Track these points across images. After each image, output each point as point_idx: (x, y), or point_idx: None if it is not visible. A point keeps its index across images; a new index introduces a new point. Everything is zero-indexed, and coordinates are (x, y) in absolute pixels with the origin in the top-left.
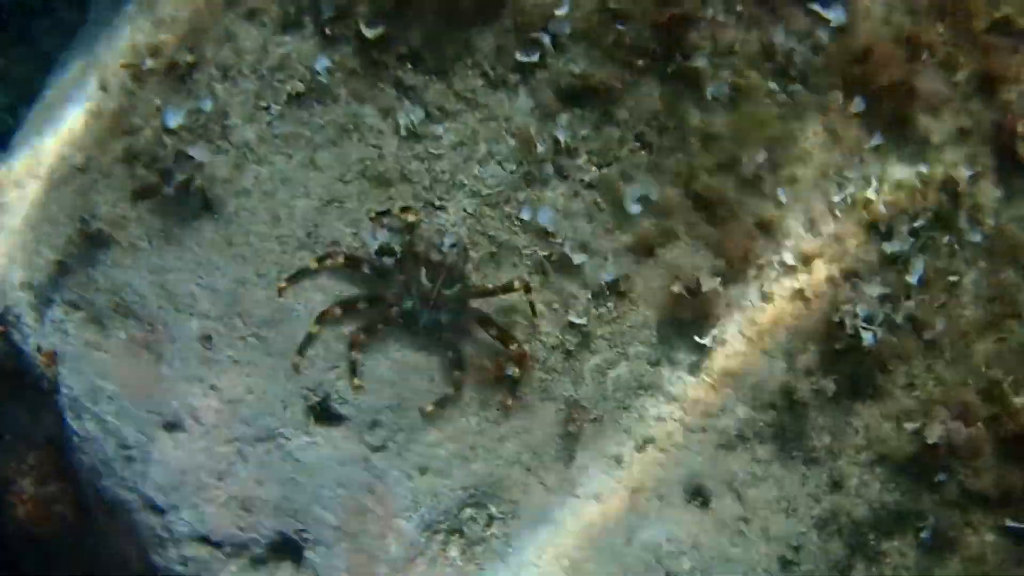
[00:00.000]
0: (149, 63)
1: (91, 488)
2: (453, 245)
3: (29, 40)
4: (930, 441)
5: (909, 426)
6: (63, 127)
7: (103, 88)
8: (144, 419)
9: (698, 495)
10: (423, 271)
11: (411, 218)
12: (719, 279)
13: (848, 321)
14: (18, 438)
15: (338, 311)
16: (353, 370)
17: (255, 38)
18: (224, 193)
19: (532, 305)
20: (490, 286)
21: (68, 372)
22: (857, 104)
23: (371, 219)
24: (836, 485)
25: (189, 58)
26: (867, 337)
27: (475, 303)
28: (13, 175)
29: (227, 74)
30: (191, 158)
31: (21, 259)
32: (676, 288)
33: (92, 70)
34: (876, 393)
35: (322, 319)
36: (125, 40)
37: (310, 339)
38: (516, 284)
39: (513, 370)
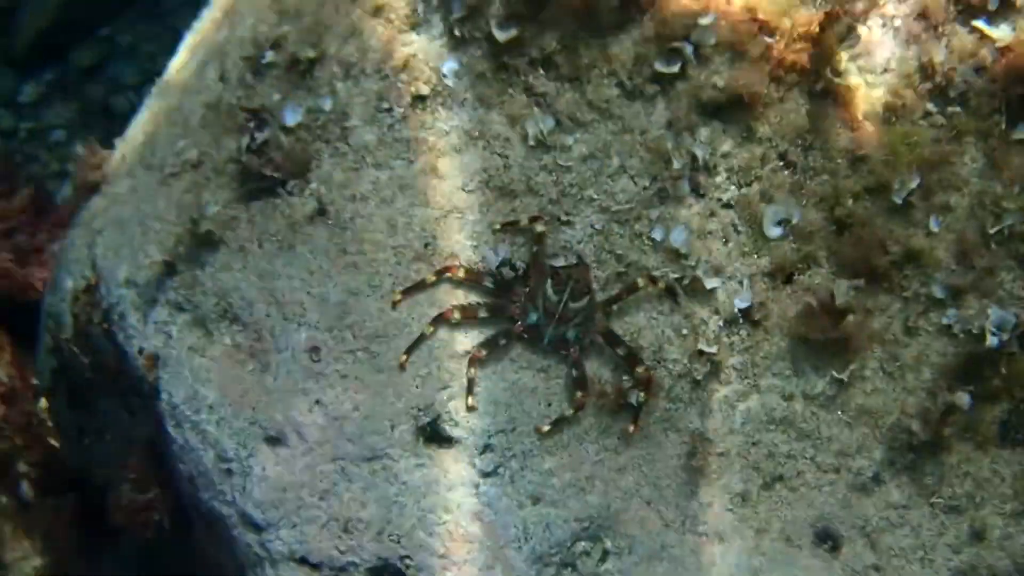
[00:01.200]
0: (269, 56)
1: (189, 498)
2: (581, 257)
3: (159, 15)
4: None
5: None
6: (179, 117)
7: (222, 79)
8: (246, 431)
9: (827, 539)
10: (549, 283)
11: (540, 228)
12: (853, 292)
13: (976, 324)
14: (119, 439)
15: (456, 314)
16: (470, 388)
17: (380, 36)
18: (340, 198)
19: (670, 289)
20: (615, 291)
21: (169, 377)
22: (1021, 131)
23: (495, 231)
24: (977, 536)
25: (311, 53)
26: (992, 340)
27: (601, 319)
28: (126, 165)
29: (349, 72)
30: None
31: (127, 255)
32: (809, 299)
33: (212, 57)
34: None
35: (437, 321)
36: (247, 29)
37: (421, 339)
38: (640, 282)
39: (638, 396)
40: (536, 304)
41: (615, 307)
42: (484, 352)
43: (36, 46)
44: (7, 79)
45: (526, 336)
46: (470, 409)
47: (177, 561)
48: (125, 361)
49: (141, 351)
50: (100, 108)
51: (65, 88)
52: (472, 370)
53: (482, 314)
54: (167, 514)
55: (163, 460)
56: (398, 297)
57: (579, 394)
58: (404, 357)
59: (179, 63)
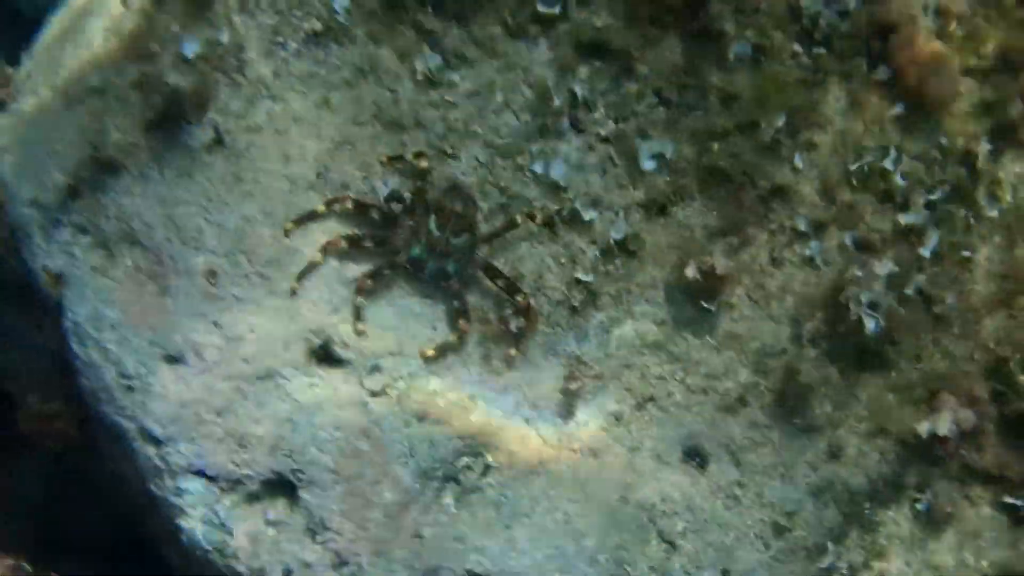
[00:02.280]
0: None
1: (93, 412)
2: (465, 193)
3: None
4: (940, 434)
5: (921, 428)
6: (83, 39)
7: (124, 4)
8: (146, 350)
9: (695, 457)
10: (432, 218)
11: (424, 164)
12: (733, 263)
13: (852, 306)
14: (25, 354)
15: (343, 243)
16: (357, 314)
17: None
18: (236, 128)
19: (548, 222)
20: (496, 227)
21: (73, 296)
22: (881, 72)
23: (382, 164)
24: (834, 454)
25: None
26: (869, 325)
27: (482, 253)
28: (31, 82)
29: (245, 6)
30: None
31: (32, 176)
32: (690, 272)
33: None
34: (882, 364)
35: (326, 249)
36: None
37: (311, 267)
38: (519, 219)
39: (518, 323)
40: (419, 238)
41: (495, 242)
42: (369, 281)
43: None
44: None
45: (409, 268)
46: (359, 334)
47: (85, 472)
48: (30, 276)
49: (46, 268)
50: (8, 12)
51: None
52: (359, 298)
53: (367, 244)
54: (75, 425)
55: (68, 374)
56: (291, 226)
57: (462, 322)
58: (296, 283)
59: None
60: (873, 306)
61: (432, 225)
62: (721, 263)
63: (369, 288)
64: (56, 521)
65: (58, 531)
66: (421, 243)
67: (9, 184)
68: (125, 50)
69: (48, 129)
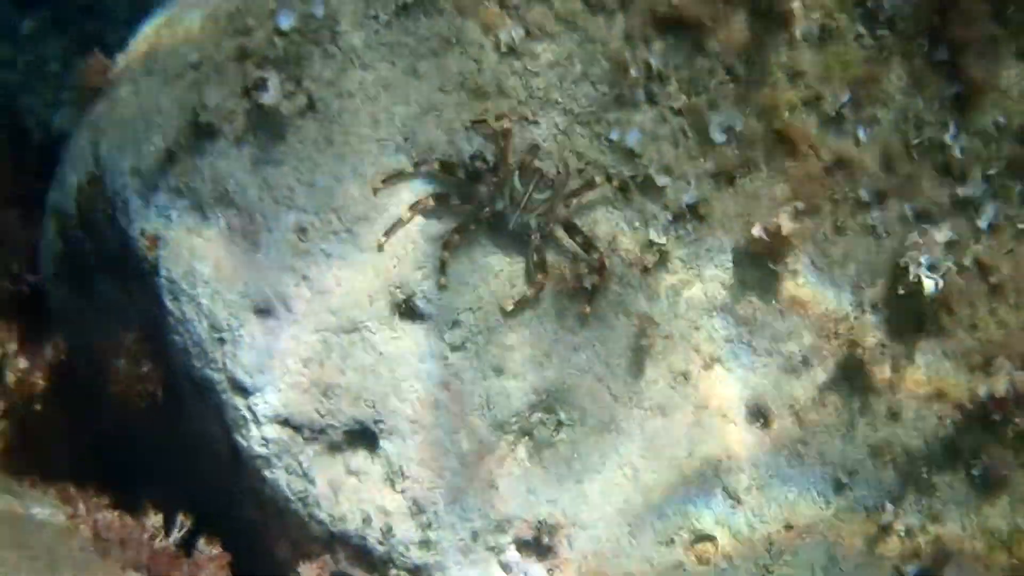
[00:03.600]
0: None
1: (182, 369)
2: (548, 153)
3: None
4: (998, 395)
5: (981, 390)
6: (180, 27)
7: None
8: (237, 303)
9: (760, 416)
10: (516, 175)
11: (507, 124)
12: (798, 224)
13: (912, 268)
14: (116, 318)
15: (431, 202)
16: (442, 269)
17: None
18: (329, 95)
19: (624, 186)
20: (575, 186)
21: (168, 255)
22: (940, 53)
23: (467, 128)
24: (894, 416)
25: None
26: (929, 285)
27: (562, 210)
28: (129, 71)
29: None
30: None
31: (131, 148)
32: (757, 232)
33: None
34: (939, 331)
35: (414, 208)
36: None
37: (399, 224)
38: (597, 180)
39: (592, 280)
40: (503, 193)
41: (574, 201)
42: (456, 237)
43: None
44: (8, 13)
45: (493, 221)
46: (441, 288)
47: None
48: (127, 243)
49: (143, 232)
50: (94, 42)
51: (61, 23)
52: (445, 252)
53: (454, 201)
54: (160, 386)
55: (157, 337)
56: (379, 184)
57: (539, 276)
58: (383, 239)
59: None
60: (933, 268)
61: (516, 181)
62: (787, 224)
63: (455, 244)
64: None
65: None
66: (505, 198)
67: (107, 159)
68: (223, 27)
69: (146, 105)
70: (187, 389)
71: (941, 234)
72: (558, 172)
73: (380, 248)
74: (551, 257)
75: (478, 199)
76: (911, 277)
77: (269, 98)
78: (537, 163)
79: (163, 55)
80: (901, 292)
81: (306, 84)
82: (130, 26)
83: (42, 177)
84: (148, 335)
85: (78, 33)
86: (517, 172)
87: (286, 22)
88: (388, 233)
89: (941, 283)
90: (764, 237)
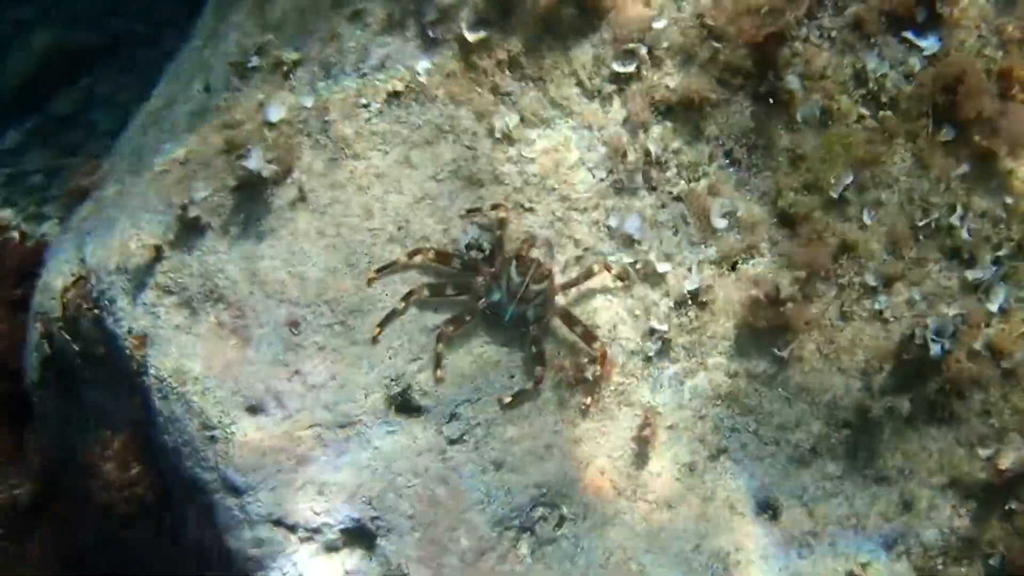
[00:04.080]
0: (255, 61)
1: (172, 471)
2: (545, 241)
3: (136, 69)
4: (1002, 467)
5: (983, 452)
6: (166, 126)
7: (206, 90)
8: (228, 400)
9: (768, 508)
10: (513, 265)
11: (502, 214)
12: (797, 286)
13: (918, 332)
14: (103, 422)
15: (425, 292)
16: (438, 362)
17: (358, 38)
18: (320, 186)
19: (623, 275)
20: (573, 275)
21: (156, 354)
22: (946, 133)
23: (462, 216)
24: (906, 506)
25: (294, 56)
26: (934, 349)
27: (560, 301)
28: (115, 171)
29: (329, 72)
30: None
31: (117, 246)
32: (755, 293)
33: (197, 73)
34: (951, 418)
35: (408, 297)
36: (232, 43)
37: (393, 314)
38: (595, 268)
39: (593, 371)
40: (500, 284)
41: (573, 290)
42: (451, 328)
43: (18, 95)
44: None
45: (489, 313)
46: (438, 381)
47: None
48: (114, 344)
49: (130, 331)
50: (77, 154)
51: (44, 135)
52: (440, 345)
53: (449, 291)
54: (150, 491)
55: (146, 440)
56: (373, 275)
57: (538, 369)
58: (377, 330)
59: (162, 89)
60: (939, 333)
61: (512, 271)
62: (785, 288)
63: (450, 335)
64: None
65: None
66: (501, 289)
67: (92, 260)
68: (210, 123)
69: (132, 203)
70: (177, 492)
71: (950, 309)
72: (545, 250)
73: (375, 340)
74: (550, 348)
75: (473, 290)
76: (916, 341)
77: (252, 164)
78: (535, 253)
79: (149, 153)
80: (907, 358)
81: (296, 175)
82: (113, 137)
83: (22, 288)
84: (136, 438)
85: (59, 144)
86: (513, 262)
87: (275, 114)
88: (382, 325)
89: (947, 345)
90: (763, 301)
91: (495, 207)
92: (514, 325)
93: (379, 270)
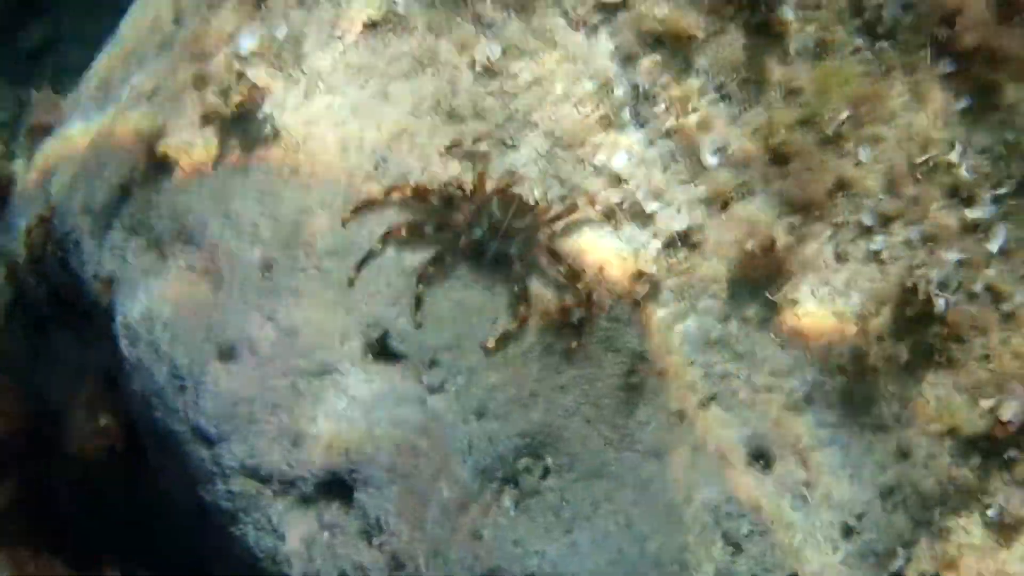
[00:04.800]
0: None
1: (142, 419)
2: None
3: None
4: (1004, 419)
5: (984, 403)
6: (132, 59)
7: (176, 21)
8: (198, 347)
9: (761, 457)
10: (495, 201)
11: (483, 148)
12: (793, 238)
13: (921, 286)
14: (71, 369)
15: (403, 231)
16: (417, 305)
17: None
18: (293, 121)
19: (609, 212)
20: (557, 211)
21: (124, 298)
22: (945, 65)
23: (441, 153)
24: (903, 455)
25: None
26: (939, 303)
27: (544, 238)
28: (80, 107)
29: (303, 2)
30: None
31: (82, 185)
32: (750, 246)
33: (167, 4)
34: (950, 363)
35: (386, 237)
36: None
37: (370, 255)
38: (579, 203)
39: (579, 313)
40: (481, 221)
41: (557, 227)
42: (431, 269)
43: None
44: None
45: (471, 251)
46: (417, 325)
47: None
48: (80, 286)
49: (96, 275)
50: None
51: (11, 72)
52: (420, 287)
53: (429, 230)
54: (121, 440)
55: (116, 387)
56: (348, 215)
57: (522, 308)
58: (353, 273)
59: (130, 20)
60: (943, 286)
61: (494, 207)
62: (782, 238)
63: (431, 276)
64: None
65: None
66: (483, 226)
67: (57, 199)
68: (179, 54)
69: (98, 140)
70: (148, 441)
71: (951, 254)
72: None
73: (351, 283)
74: (535, 288)
75: (454, 227)
76: (920, 296)
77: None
78: (516, 189)
79: (115, 86)
80: (910, 314)
81: (268, 110)
82: (82, 73)
83: None
84: (106, 385)
85: (27, 81)
86: (495, 198)
87: (247, 45)
88: (359, 267)
89: (952, 300)
90: (757, 252)
91: (476, 141)
92: (496, 263)
93: (355, 209)
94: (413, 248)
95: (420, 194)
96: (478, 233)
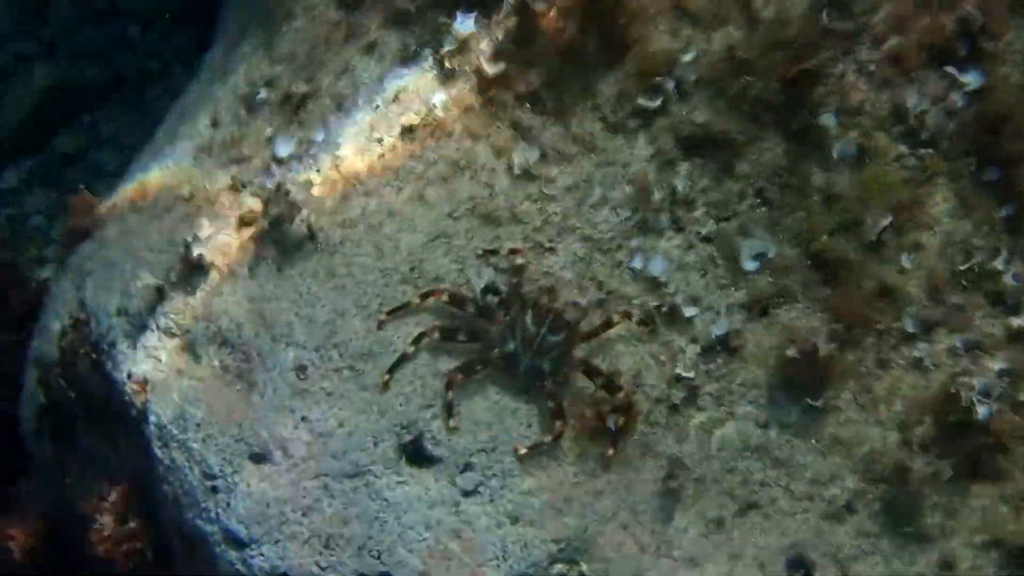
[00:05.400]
0: (263, 94)
1: (172, 523)
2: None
3: (142, 108)
4: None
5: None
6: (170, 163)
7: (214, 124)
8: (231, 448)
9: (800, 566)
10: (529, 314)
11: (519, 260)
12: (835, 345)
13: (963, 392)
14: (101, 473)
15: (437, 335)
16: (449, 410)
17: (372, 71)
18: (329, 223)
19: (646, 320)
20: (594, 325)
21: (157, 399)
22: (990, 173)
23: (478, 257)
24: (947, 566)
25: (304, 88)
26: (981, 411)
27: (579, 352)
28: (117, 209)
29: (341, 106)
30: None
31: (118, 288)
32: (791, 352)
33: (204, 108)
34: (994, 473)
35: (419, 340)
36: (240, 76)
37: (403, 360)
38: (615, 318)
39: (617, 420)
40: (515, 333)
41: (593, 340)
42: (460, 376)
43: (18, 133)
44: None
45: (503, 363)
46: (451, 430)
47: None
48: (113, 389)
49: (130, 376)
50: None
51: (46, 175)
52: (450, 393)
53: (462, 337)
54: (149, 545)
55: (146, 492)
56: (384, 317)
57: (558, 423)
58: (387, 376)
59: (168, 125)
60: (986, 394)
61: (528, 321)
62: (823, 346)
63: (460, 383)
64: None
65: None
66: (516, 339)
67: (92, 302)
68: (216, 158)
69: (134, 243)
70: (177, 545)
71: (995, 362)
72: (572, 309)
73: (385, 386)
74: (569, 400)
75: (488, 337)
76: (962, 402)
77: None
78: (554, 304)
79: (152, 190)
80: (951, 420)
81: (305, 213)
82: (118, 177)
83: (23, 333)
84: (136, 489)
85: (62, 184)
86: (531, 311)
87: (284, 149)
88: (393, 370)
89: (994, 407)
90: (798, 359)
91: (513, 251)
92: (529, 377)
93: (390, 312)
94: (449, 352)
95: (456, 300)
96: (511, 347)
